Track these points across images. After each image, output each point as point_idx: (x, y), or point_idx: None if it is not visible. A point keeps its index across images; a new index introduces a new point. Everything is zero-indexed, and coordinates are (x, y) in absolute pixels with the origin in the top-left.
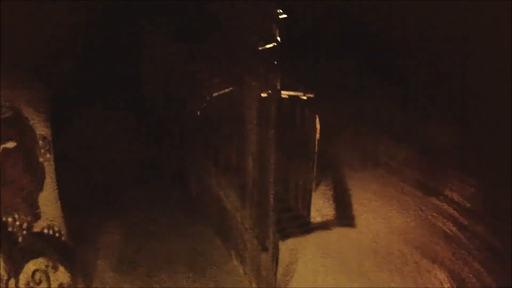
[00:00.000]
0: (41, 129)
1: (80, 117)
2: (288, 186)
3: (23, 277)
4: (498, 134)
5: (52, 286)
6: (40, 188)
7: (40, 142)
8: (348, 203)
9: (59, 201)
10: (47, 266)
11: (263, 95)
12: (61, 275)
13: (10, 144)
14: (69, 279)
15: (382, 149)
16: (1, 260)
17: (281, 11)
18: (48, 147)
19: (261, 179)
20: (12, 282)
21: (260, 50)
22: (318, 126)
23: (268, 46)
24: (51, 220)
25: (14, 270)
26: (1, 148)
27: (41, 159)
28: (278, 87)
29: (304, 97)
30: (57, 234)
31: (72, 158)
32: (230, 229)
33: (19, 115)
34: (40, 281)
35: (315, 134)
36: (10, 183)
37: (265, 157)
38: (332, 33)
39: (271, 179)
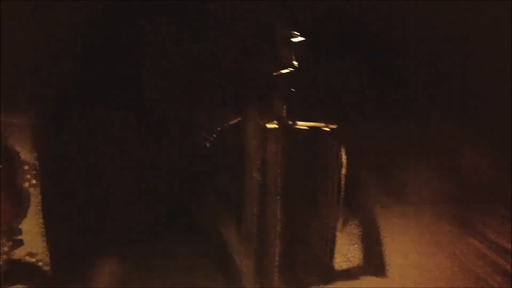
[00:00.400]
0: (27, 154)
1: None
2: (308, 227)
3: None
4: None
5: None
6: (22, 214)
7: (26, 167)
8: (378, 247)
9: (43, 229)
10: None
11: (272, 125)
12: None
13: None
14: None
15: (411, 177)
16: None
17: (297, 33)
18: (34, 172)
19: (264, 222)
20: None
21: (275, 75)
22: (344, 159)
23: (283, 71)
24: (33, 249)
25: None
26: None
27: (25, 185)
28: (289, 117)
29: (327, 129)
30: (39, 263)
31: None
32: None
33: (2, 137)
34: None
35: (340, 168)
36: None
37: (269, 200)
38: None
39: (276, 228)
